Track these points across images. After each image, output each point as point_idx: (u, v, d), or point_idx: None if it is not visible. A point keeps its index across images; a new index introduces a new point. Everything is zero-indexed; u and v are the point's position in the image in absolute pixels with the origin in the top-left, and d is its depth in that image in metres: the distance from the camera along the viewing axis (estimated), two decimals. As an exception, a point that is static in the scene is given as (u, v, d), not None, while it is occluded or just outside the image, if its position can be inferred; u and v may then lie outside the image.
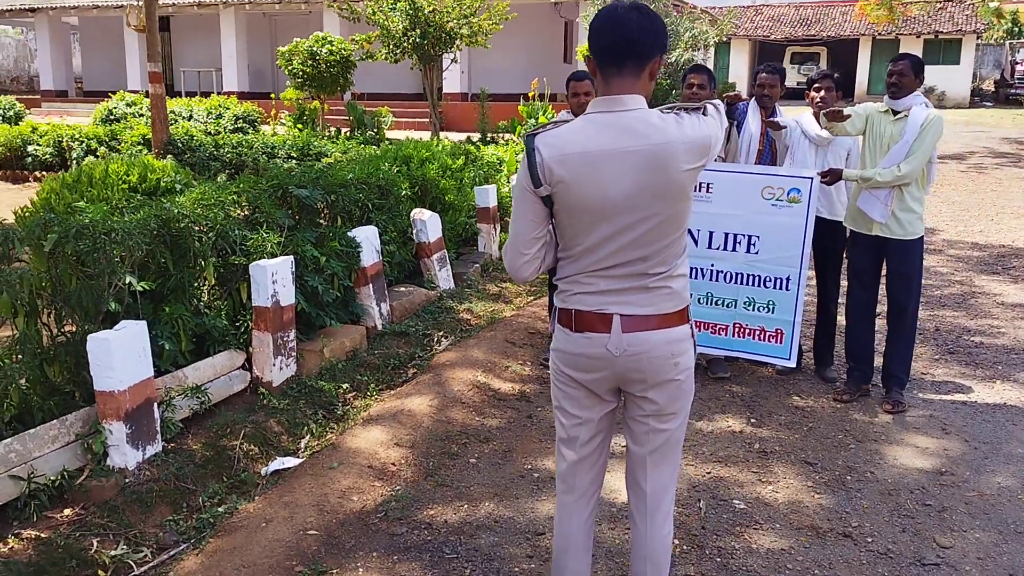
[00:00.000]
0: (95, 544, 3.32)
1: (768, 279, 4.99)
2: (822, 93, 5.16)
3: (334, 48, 16.92)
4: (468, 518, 3.57)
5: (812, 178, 4.86)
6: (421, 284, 6.88)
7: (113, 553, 3.30)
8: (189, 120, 17.22)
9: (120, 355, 3.71)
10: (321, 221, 5.71)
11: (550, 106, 16.19)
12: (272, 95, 20.12)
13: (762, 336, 5.06)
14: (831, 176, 4.83)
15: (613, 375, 2.43)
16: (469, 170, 8.56)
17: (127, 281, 4.22)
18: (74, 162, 13.80)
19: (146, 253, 4.33)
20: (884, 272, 4.92)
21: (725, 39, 30.20)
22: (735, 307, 5.08)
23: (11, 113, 19.79)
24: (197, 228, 4.49)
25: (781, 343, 5.02)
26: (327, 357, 5.17)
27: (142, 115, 17.49)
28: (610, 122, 2.26)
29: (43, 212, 4.78)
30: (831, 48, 32.76)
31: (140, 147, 13.65)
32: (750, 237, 4.99)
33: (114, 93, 19.12)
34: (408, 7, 15.56)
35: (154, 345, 4.27)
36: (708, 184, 5.03)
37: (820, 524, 3.59)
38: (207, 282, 4.67)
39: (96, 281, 3.94)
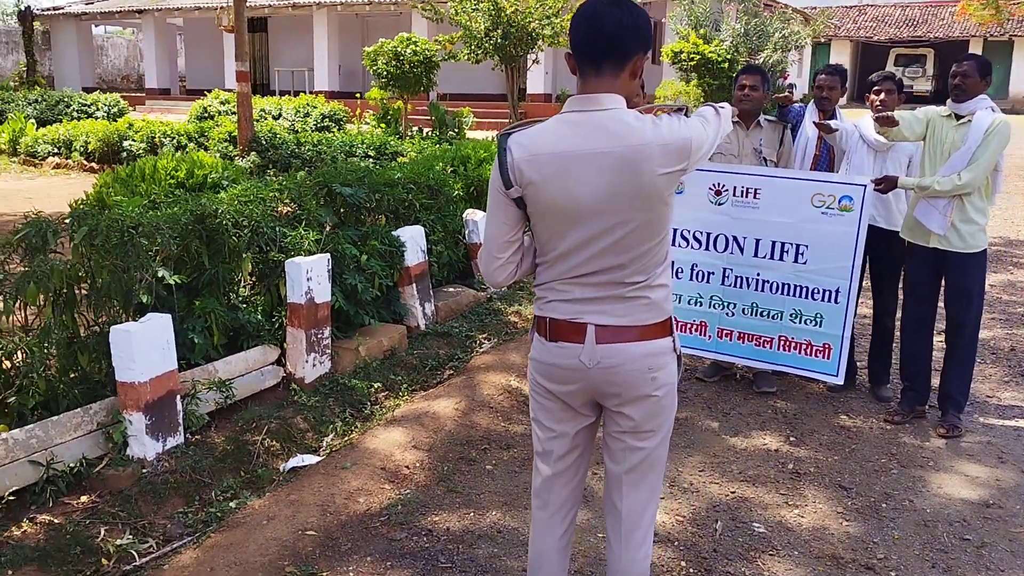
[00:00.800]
0: (103, 532, 3.38)
1: (816, 291, 4.74)
2: (882, 96, 4.87)
3: (418, 49, 17.04)
4: (472, 526, 3.49)
5: (865, 186, 4.59)
6: (472, 285, 6.84)
7: (119, 542, 3.35)
8: (278, 118, 17.67)
9: (142, 347, 3.78)
10: (365, 220, 5.72)
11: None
12: (357, 95, 20.45)
13: (808, 351, 4.81)
14: (885, 184, 4.55)
15: (587, 388, 2.31)
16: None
17: (159, 274, 4.31)
18: (165, 157, 14.32)
19: (181, 247, 4.41)
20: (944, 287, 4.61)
21: (823, 40, 29.31)
22: (781, 319, 4.84)
23: (115, 110, 20.69)
24: (232, 224, 4.54)
25: (828, 358, 4.76)
26: (363, 356, 5.17)
27: (233, 113, 18.04)
28: (583, 122, 2.15)
29: (93, 205, 4.93)
30: (938, 50, 31.36)
31: (226, 144, 14.07)
32: (798, 246, 4.75)
33: (210, 91, 19.78)
34: (490, 8, 15.59)
35: (185, 338, 4.36)
36: (756, 189, 4.81)
37: (842, 554, 3.37)
38: (242, 278, 4.73)
39: (126, 274, 4.02)
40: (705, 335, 5.05)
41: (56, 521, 3.44)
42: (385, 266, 5.57)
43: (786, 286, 4.81)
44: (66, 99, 20.94)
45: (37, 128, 16.72)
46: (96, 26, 29.65)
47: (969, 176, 4.28)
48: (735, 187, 4.86)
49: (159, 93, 25.81)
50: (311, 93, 21.42)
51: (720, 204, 4.90)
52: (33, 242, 3.89)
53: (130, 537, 3.39)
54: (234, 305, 4.67)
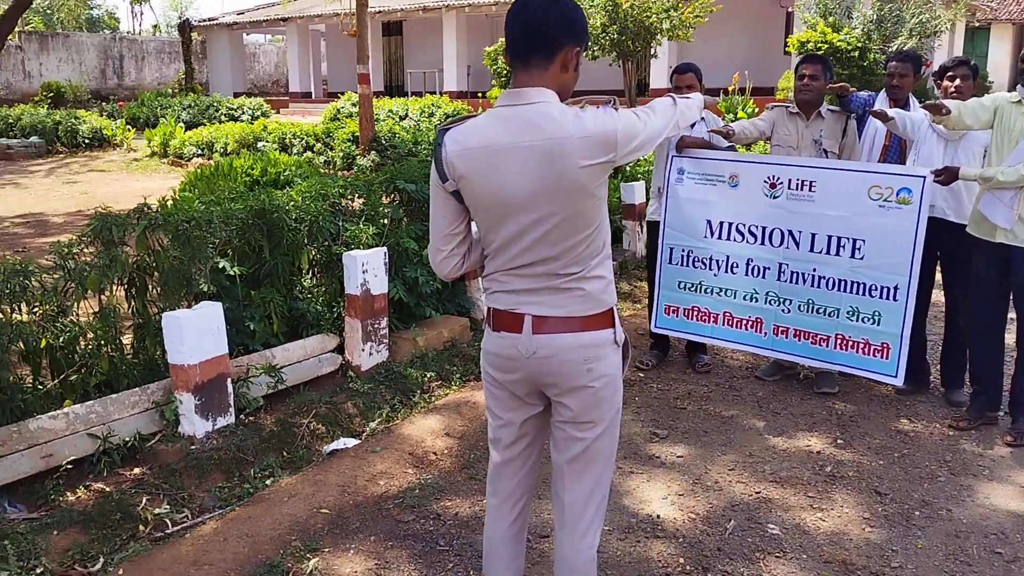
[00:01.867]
0: (144, 501, 3.66)
1: (874, 287, 4.52)
2: (956, 83, 4.60)
3: (538, 46, 17.20)
4: (480, 513, 3.57)
5: (925, 177, 4.35)
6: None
7: (157, 511, 3.62)
8: (404, 118, 18.23)
9: (191, 332, 4.06)
10: (423, 217, 5.87)
11: (751, 100, 15.51)
12: (480, 94, 20.83)
13: (867, 350, 4.60)
14: (946, 175, 4.29)
15: (527, 377, 2.35)
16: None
17: (220, 265, 4.61)
18: (294, 157, 15.10)
19: (242, 240, 4.71)
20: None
21: (978, 24, 27.40)
22: (837, 316, 4.65)
23: (258, 113, 21.94)
24: (291, 218, 4.80)
25: (887, 358, 4.53)
26: (421, 346, 5.33)
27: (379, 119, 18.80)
28: (510, 116, 2.18)
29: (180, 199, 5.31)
30: (1115, 31, 28.69)
31: (349, 143, 14.69)
32: (855, 241, 4.55)
33: (342, 94, 20.65)
34: (607, 3, 15.54)
35: (243, 326, 4.65)
36: (811, 182, 4.64)
37: (855, 560, 3.23)
38: (303, 269, 4.98)
39: (184, 264, 4.33)
40: (761, 332, 4.91)
41: (107, 489, 3.75)
42: (449, 260, 5.71)
43: (843, 282, 4.61)
44: (215, 104, 22.36)
45: (185, 131, 17.97)
46: (247, 35, 31.51)
47: (1037, 166, 3.99)
48: (790, 179, 4.70)
49: (301, 96, 27.14)
50: (440, 94, 21.98)
51: (775, 197, 4.75)
52: (105, 236, 4.25)
53: (167, 507, 3.66)
54: (295, 295, 4.93)
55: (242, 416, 4.43)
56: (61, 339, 4.05)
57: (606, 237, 2.30)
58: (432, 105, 18.97)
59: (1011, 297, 4.31)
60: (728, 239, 4.94)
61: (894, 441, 4.30)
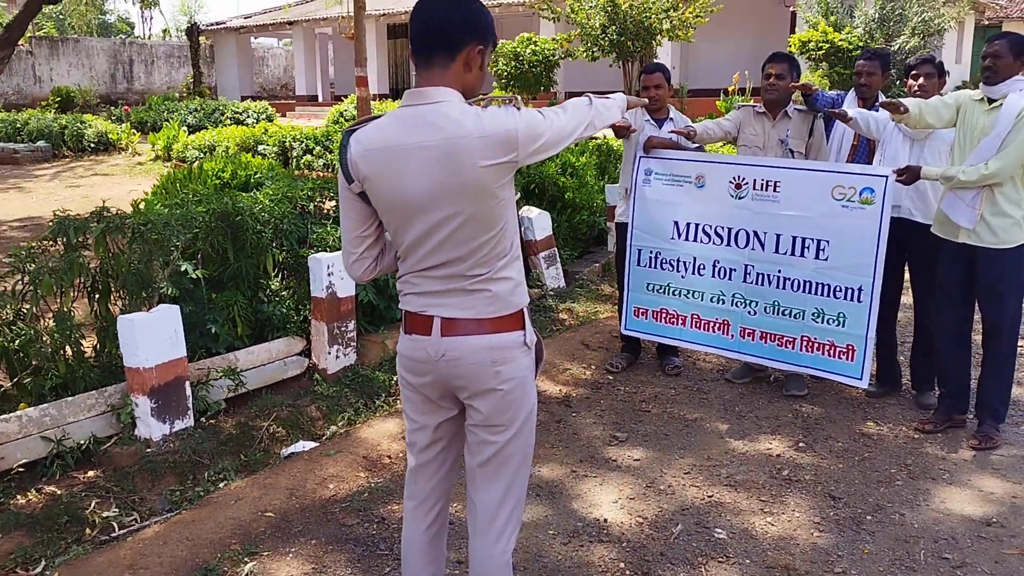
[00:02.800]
0: (93, 504, 3.66)
1: (838, 289, 4.47)
2: (920, 81, 4.55)
3: (538, 48, 17.20)
4: (426, 517, 3.54)
5: (887, 176, 4.30)
6: (528, 282, 6.87)
7: (105, 514, 3.62)
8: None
9: (146, 335, 4.06)
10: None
11: (752, 99, 15.41)
12: (481, 95, 20.82)
13: (832, 352, 4.55)
14: (908, 174, 4.24)
15: (438, 380, 2.32)
16: (602, 167, 8.39)
17: (183, 268, 4.62)
18: (294, 160, 15.14)
19: (206, 243, 4.71)
20: (982, 286, 4.25)
21: (987, 22, 27.17)
22: (803, 318, 4.60)
23: (264, 116, 22.00)
24: (254, 220, 4.79)
25: (852, 360, 4.48)
26: (390, 348, 5.32)
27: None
28: (411, 116, 2.16)
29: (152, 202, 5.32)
30: None
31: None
32: (819, 241, 4.50)
33: (346, 97, 20.69)
34: (606, 3, 15.49)
35: (205, 329, 4.65)
36: (775, 182, 4.60)
37: (798, 565, 3.18)
38: (268, 272, 4.97)
39: (142, 267, 4.34)
40: (728, 334, 4.87)
41: (58, 492, 3.76)
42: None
43: (808, 284, 4.57)
44: (221, 107, 22.44)
45: (189, 135, 18.05)
46: (255, 38, 31.63)
47: (997, 165, 3.93)
48: (755, 180, 4.66)
49: (307, 99, 27.20)
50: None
51: (740, 198, 4.71)
52: (62, 239, 4.26)
53: (116, 510, 3.65)
54: (260, 298, 4.92)
55: (202, 419, 4.43)
56: (16, 342, 4.06)
57: (513, 238, 2.28)
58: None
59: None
60: (695, 240, 4.90)
61: (857, 444, 4.25)
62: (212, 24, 30.05)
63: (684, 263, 4.96)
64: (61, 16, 39.53)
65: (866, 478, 3.88)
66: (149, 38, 36.88)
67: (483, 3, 2.22)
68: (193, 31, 28.66)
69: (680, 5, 15.95)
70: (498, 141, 2.11)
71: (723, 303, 4.86)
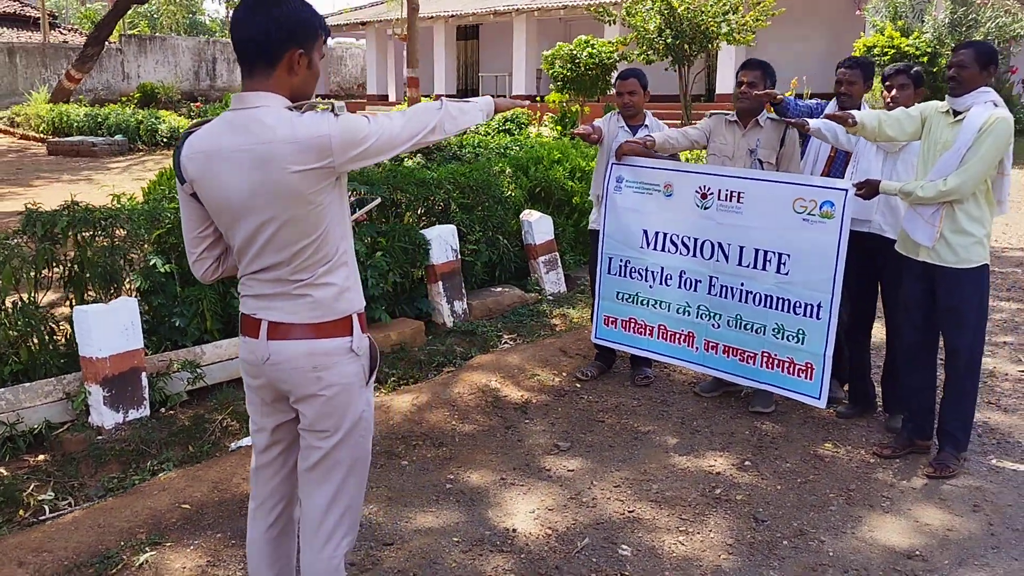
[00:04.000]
0: (32, 487, 3.82)
1: (798, 305, 4.33)
2: (893, 92, 4.36)
3: (594, 51, 17.09)
4: (338, 516, 3.57)
5: (846, 190, 4.14)
6: (525, 286, 6.85)
7: (41, 497, 3.77)
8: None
9: (99, 326, 4.21)
10: (388, 218, 5.91)
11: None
12: (537, 98, 20.81)
13: (791, 369, 4.40)
14: (867, 188, 4.07)
15: (268, 383, 2.35)
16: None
17: (152, 262, 4.77)
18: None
19: (178, 237, 4.84)
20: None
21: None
22: (764, 333, 4.47)
23: (331, 115, 22.43)
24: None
25: (811, 379, 4.33)
26: (364, 348, 5.36)
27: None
28: (232, 120, 2.19)
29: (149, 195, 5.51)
30: None
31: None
32: (780, 255, 4.37)
33: (426, 96, 20.96)
34: (662, 6, 15.30)
35: (171, 322, 4.79)
36: (739, 193, 4.48)
37: (691, 588, 3.10)
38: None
39: (105, 260, 4.49)
40: (693, 347, 4.77)
41: (5, 474, 3.93)
42: (406, 263, 5.75)
43: (769, 298, 4.43)
44: (291, 106, 23.01)
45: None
46: (331, 38, 32.34)
47: (956, 181, 3.74)
48: (719, 190, 4.55)
49: (378, 98, 27.69)
50: (508, 97, 22.03)
51: (706, 208, 4.61)
52: (30, 231, 4.45)
53: (52, 494, 3.80)
54: (232, 293, 5.03)
55: (162, 409, 4.57)
56: (-20, 329, 4.25)
57: (339, 244, 2.28)
58: (492, 109, 19.04)
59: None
60: (663, 250, 4.82)
61: (806, 466, 4.10)
62: (290, 24, 30.79)
63: (652, 273, 4.87)
64: (155, 15, 41.16)
65: (800, 501, 3.75)
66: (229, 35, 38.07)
67: (299, 3, 2.22)
68: (272, 31, 29.44)
69: (740, 8, 15.64)
70: (310, 147, 2.11)
71: (689, 315, 4.76)
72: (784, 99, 4.52)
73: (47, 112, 21.72)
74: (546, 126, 18.53)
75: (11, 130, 22.16)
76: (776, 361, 4.44)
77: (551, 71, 17.51)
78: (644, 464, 4.10)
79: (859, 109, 4.64)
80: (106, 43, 26.24)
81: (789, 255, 4.33)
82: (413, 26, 14.39)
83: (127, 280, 4.64)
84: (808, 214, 4.24)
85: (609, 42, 17.12)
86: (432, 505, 3.70)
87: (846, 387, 4.85)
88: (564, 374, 5.28)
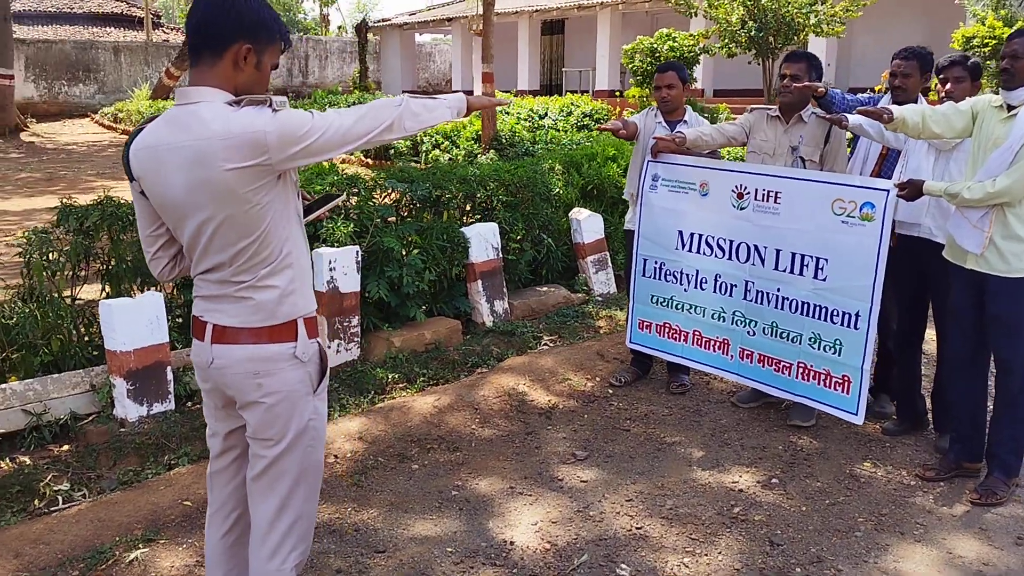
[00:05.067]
0: (49, 477, 3.88)
1: (836, 313, 4.05)
2: (948, 86, 4.03)
3: (675, 44, 16.69)
4: (336, 522, 3.51)
5: (888, 191, 3.84)
6: (572, 286, 6.69)
7: (57, 487, 3.83)
8: (544, 117, 18.24)
9: (123, 320, 4.26)
10: (425, 215, 5.84)
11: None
12: (617, 93, 20.48)
13: (828, 382, 4.13)
14: (910, 189, 3.77)
15: (215, 387, 2.29)
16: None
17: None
18: (423, 154, 15.50)
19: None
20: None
21: None
22: (800, 343, 4.20)
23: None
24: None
25: (848, 393, 4.05)
26: (397, 346, 5.32)
27: (508, 113, 18.99)
28: (173, 116, 2.13)
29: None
30: None
31: (472, 142, 14.88)
32: (818, 259, 4.09)
33: (506, 92, 20.92)
34: (745, -3, 14.80)
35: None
36: (776, 193, 4.22)
37: (685, 615, 2.91)
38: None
39: (136, 254, 4.55)
40: (728, 354, 4.53)
41: (27, 462, 4.02)
42: (444, 261, 5.67)
43: (806, 305, 4.17)
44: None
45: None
46: (419, 35, 32.61)
47: (1007, 182, 3.42)
48: (756, 189, 4.30)
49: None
50: (593, 93, 21.81)
51: (742, 209, 4.36)
52: (65, 225, 4.55)
53: (67, 485, 3.86)
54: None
55: (189, 403, 4.60)
56: (13, 320, 4.36)
57: (282, 245, 2.19)
58: (571, 104, 18.86)
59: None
60: (698, 252, 4.59)
61: (837, 486, 3.83)
62: (379, 21, 31.25)
63: (687, 276, 4.65)
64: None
65: (824, 525, 3.50)
66: (327, 34, 38.85)
67: (260, 3, 2.14)
68: (362, 28, 29.86)
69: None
70: (243, 144, 2.03)
71: (724, 320, 4.52)
72: (829, 92, 4.24)
73: (147, 108, 22.55)
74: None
75: (114, 126, 23.10)
76: (812, 373, 4.17)
77: (631, 65, 17.18)
78: (663, 477, 3.91)
79: (915, 103, 4.32)
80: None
81: (827, 259, 4.05)
82: (489, 21, 14.32)
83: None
84: (847, 216, 3.96)
85: (691, 35, 16.67)
86: (433, 512, 3.60)
87: (896, 403, 4.53)
88: (598, 379, 5.10)
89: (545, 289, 6.50)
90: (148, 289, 4.69)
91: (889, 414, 4.54)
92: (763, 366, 4.37)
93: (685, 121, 4.80)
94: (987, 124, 3.60)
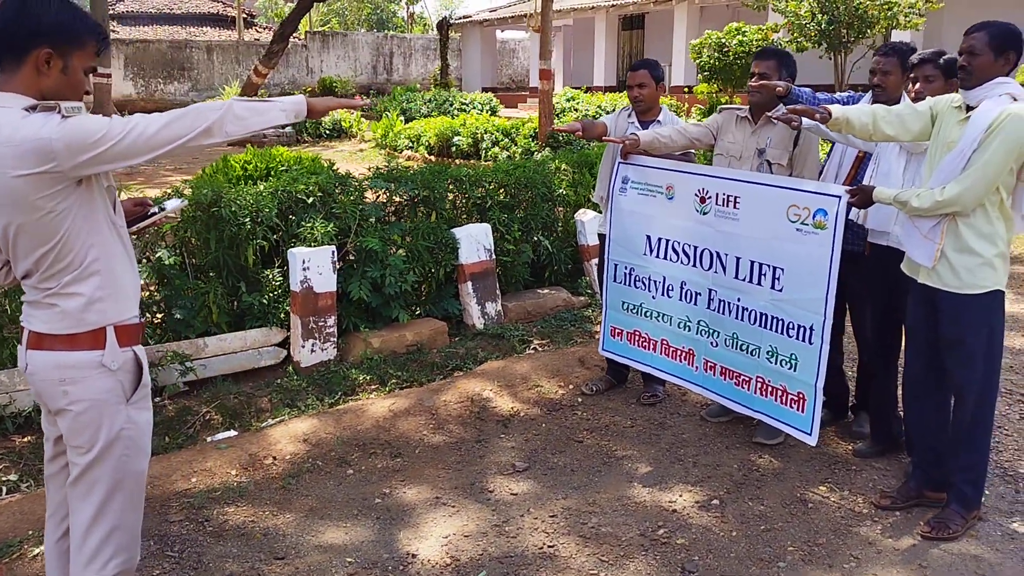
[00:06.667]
0: (0, 467, 4.01)
1: (791, 326, 3.81)
2: (918, 86, 3.73)
3: (745, 39, 16.20)
4: (251, 525, 3.49)
5: (840, 197, 3.58)
6: (576, 288, 6.54)
7: (4, 478, 3.95)
8: (604, 114, 18.01)
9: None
10: (413, 215, 5.79)
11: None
12: (685, 89, 20.00)
13: (784, 399, 3.89)
14: (860, 196, 3.50)
15: (36, 393, 2.29)
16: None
17: (158, 255, 4.91)
18: (483, 151, 15.51)
19: (190, 232, 4.98)
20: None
21: None
22: (759, 356, 3.97)
23: (487, 108, 22.69)
24: (232, 212, 4.95)
25: (803, 411, 3.80)
26: (376, 347, 5.30)
27: (576, 110, 18.83)
28: (-23, 122, 2.13)
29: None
30: None
31: (529, 139, 14.80)
32: (775, 269, 3.86)
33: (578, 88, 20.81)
34: (815, -11, 14.24)
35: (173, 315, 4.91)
36: (736, 197, 4.00)
37: (560, 642, 2.77)
38: (249, 262, 5.13)
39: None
40: (693, 365, 4.34)
41: (-14, 454, 4.16)
42: (429, 262, 5.62)
43: (764, 316, 3.94)
44: (451, 98, 23.46)
45: (404, 124, 19.08)
46: (500, 31, 32.62)
47: (957, 189, 3.14)
48: (717, 194, 4.09)
49: (537, 91, 27.67)
50: (667, 88, 21.37)
51: (704, 213, 4.16)
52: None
53: (16, 476, 3.97)
54: (236, 287, 5.09)
55: (158, 399, 4.68)
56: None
57: (86, 252, 2.17)
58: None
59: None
60: (665, 258, 4.41)
61: (782, 511, 3.60)
62: (461, 18, 31.42)
63: (655, 282, 4.47)
64: (344, 12, 43.29)
65: (749, 553, 3.29)
66: (412, 30, 39.33)
67: (57, 4, 2.11)
68: (443, 24, 30.14)
69: (904, -11, 14.29)
70: (28, 151, 2.02)
71: (689, 330, 4.32)
72: (793, 91, 3.97)
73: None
74: (694, 118, 17.81)
75: (201, 123, 23.89)
76: (770, 388, 3.94)
77: (699, 61, 16.79)
78: (597, 493, 3.76)
79: (899, 103, 4.02)
80: (291, 40, 27.81)
81: (783, 269, 3.82)
82: (546, 17, 14.19)
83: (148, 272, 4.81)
84: (801, 223, 3.72)
85: (760, 29, 16.15)
86: (348, 520, 3.55)
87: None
88: (571, 386, 4.96)
89: (545, 292, 6.37)
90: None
91: (866, 434, 4.25)
92: (724, 379, 4.16)
93: (659, 121, 4.60)
94: (945, 126, 3.31)
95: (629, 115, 4.67)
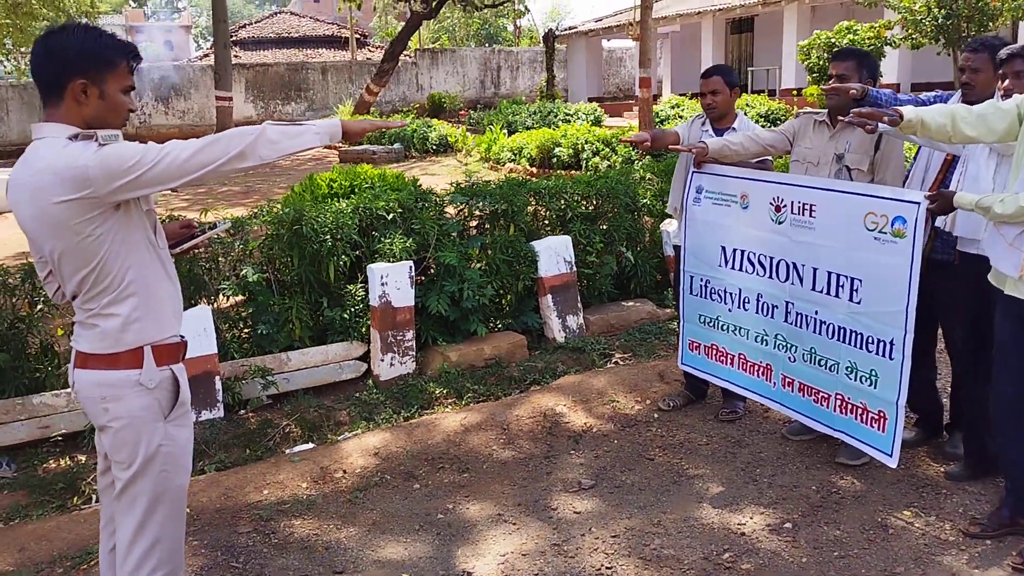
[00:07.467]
0: (91, 477, 4.20)
1: (871, 340, 3.60)
2: (1007, 83, 3.47)
3: (857, 38, 15.57)
4: (314, 538, 3.54)
5: (919, 203, 3.36)
6: (662, 300, 6.41)
7: (95, 487, 4.15)
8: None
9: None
10: (490, 229, 5.78)
11: None
12: (794, 92, 19.36)
13: (864, 418, 3.67)
14: (941, 201, 3.28)
15: (84, 410, 2.39)
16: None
17: (242, 272, 5.08)
18: (584, 162, 15.44)
19: (277, 249, 5.15)
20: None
21: None
22: (838, 372, 3.77)
23: (592, 117, 22.62)
24: (314, 231, 5.09)
25: (884, 431, 3.58)
26: (454, 361, 5.32)
27: (681, 117, 18.53)
28: (26, 152, 2.25)
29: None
30: None
31: (630, 148, 14.63)
32: (852, 280, 3.66)
33: (683, 95, 20.51)
34: (931, -19, 13.56)
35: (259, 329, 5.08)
36: (811, 206, 3.82)
37: (607, 669, 2.69)
38: (331, 278, 5.24)
39: (193, 271, 4.85)
40: (770, 381, 4.16)
41: (82, 460, 4.38)
42: (508, 275, 5.62)
43: (842, 330, 3.74)
44: (555, 110, 23.51)
45: (508, 136, 19.22)
46: (606, 41, 32.46)
47: (1043, 193, 2.90)
48: (792, 202, 3.92)
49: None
50: (778, 91, 20.81)
51: (779, 223, 3.99)
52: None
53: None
54: (317, 303, 5.22)
55: (242, 411, 4.85)
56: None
57: (124, 274, 2.25)
58: (746, 105, 18.09)
59: (1038, 369, 3.17)
60: (740, 269, 4.26)
61: (859, 537, 3.40)
62: (566, 29, 31.45)
63: (731, 294, 4.32)
64: (454, 29, 44.06)
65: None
66: (520, 44, 39.64)
67: (80, 34, 2.20)
68: (549, 36, 30.24)
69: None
70: (67, 178, 2.11)
71: (767, 344, 4.15)
72: (870, 93, 3.76)
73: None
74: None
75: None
76: (850, 406, 3.74)
77: (807, 62, 16.24)
78: (663, 513, 3.64)
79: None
80: (400, 58, 28.50)
81: (861, 280, 3.62)
82: (645, 26, 14.06)
83: (221, 288, 4.99)
84: (879, 231, 3.51)
85: (872, 26, 15.49)
86: (409, 535, 3.56)
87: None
88: (648, 402, 4.84)
89: (629, 304, 6.26)
90: (210, 302, 5.00)
91: (960, 455, 3.97)
92: (803, 396, 3.97)
93: (734, 128, 4.46)
94: (1034, 126, 3.06)
95: (703, 123, 4.54)
